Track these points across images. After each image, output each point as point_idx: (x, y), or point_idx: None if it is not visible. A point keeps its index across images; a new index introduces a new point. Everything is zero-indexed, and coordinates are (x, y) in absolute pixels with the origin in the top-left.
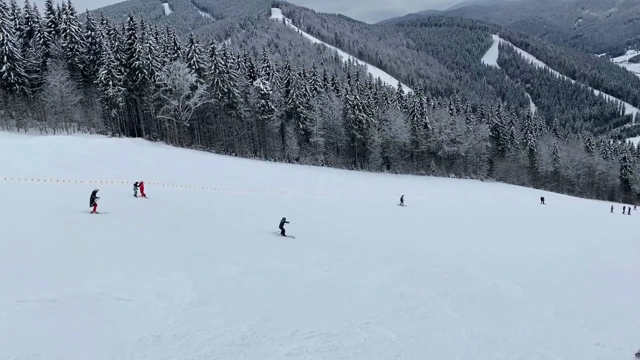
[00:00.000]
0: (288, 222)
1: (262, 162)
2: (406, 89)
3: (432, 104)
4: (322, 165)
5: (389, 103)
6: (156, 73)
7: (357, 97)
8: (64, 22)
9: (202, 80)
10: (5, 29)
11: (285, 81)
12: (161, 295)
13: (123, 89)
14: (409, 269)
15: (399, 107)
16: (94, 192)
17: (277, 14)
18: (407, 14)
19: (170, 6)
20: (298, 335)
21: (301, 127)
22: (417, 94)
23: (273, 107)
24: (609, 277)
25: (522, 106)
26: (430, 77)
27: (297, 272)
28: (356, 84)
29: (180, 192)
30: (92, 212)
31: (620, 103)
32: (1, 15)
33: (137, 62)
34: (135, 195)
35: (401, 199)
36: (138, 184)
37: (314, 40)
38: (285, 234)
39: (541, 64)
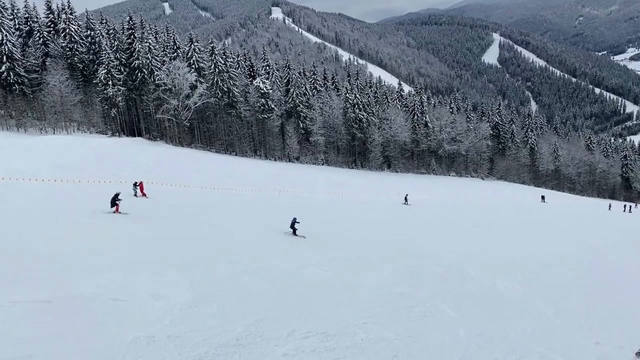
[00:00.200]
0: (299, 222)
1: (262, 161)
2: (407, 88)
3: (433, 102)
4: (323, 164)
5: (389, 102)
6: (156, 72)
7: (357, 95)
8: (64, 21)
9: (202, 80)
10: (4, 29)
11: (285, 80)
12: (157, 295)
13: (123, 88)
14: (409, 269)
15: (399, 106)
16: (117, 195)
17: (277, 13)
18: (408, 12)
19: (170, 6)
20: (294, 336)
21: (301, 126)
22: (417, 93)
23: (273, 106)
24: (609, 277)
25: (523, 104)
26: (431, 75)
27: (296, 271)
28: (356, 83)
29: (179, 191)
30: (114, 213)
31: (621, 101)
32: (0, 15)
33: (136, 62)
34: (135, 194)
35: (405, 198)
36: (137, 184)
37: (314, 39)
38: (297, 233)
39: (542, 62)
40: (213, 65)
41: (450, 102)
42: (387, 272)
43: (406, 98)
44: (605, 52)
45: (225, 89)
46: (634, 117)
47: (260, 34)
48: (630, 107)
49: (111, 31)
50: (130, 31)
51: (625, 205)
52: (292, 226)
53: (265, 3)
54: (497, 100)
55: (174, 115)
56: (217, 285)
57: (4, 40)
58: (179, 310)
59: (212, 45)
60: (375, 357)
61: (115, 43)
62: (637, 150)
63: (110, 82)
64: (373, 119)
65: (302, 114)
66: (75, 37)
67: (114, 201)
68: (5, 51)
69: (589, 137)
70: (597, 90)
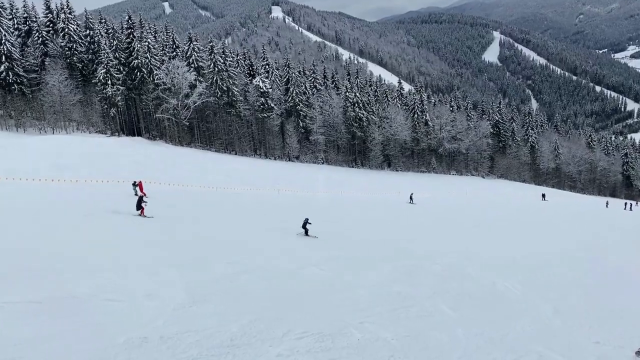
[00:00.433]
0: (310, 224)
1: (262, 160)
2: (407, 87)
3: (433, 101)
4: (323, 163)
5: (389, 100)
6: (155, 72)
7: (357, 94)
8: (62, 21)
9: (201, 79)
10: (3, 29)
11: (285, 79)
12: (151, 296)
13: (122, 88)
14: (407, 268)
15: (399, 105)
16: (141, 197)
17: (277, 12)
18: (408, 11)
19: (170, 5)
20: (290, 336)
21: (301, 125)
22: (417, 91)
23: (273, 105)
24: (609, 276)
25: (524, 103)
26: (431, 74)
27: (293, 271)
28: (356, 82)
29: (179, 191)
30: (140, 215)
31: (622, 99)
32: None
33: (135, 61)
34: (135, 194)
35: (411, 197)
36: (136, 183)
37: (314, 38)
38: (309, 234)
39: (542, 61)
40: (212, 65)
41: (451, 100)
42: (385, 272)
43: (406, 97)
44: (606, 49)
45: (225, 88)
46: (635, 115)
47: (260, 33)
48: (631, 105)
49: (110, 31)
50: (129, 30)
51: (625, 204)
52: (304, 226)
53: (266, 2)
54: (498, 98)
55: (174, 115)
56: (213, 285)
57: (3, 40)
58: (173, 311)
59: (211, 44)
60: (371, 357)
61: (115, 42)
62: (637, 148)
63: (109, 82)
64: (373, 117)
65: (301, 112)
66: (74, 36)
67: (140, 204)
68: (4, 51)
69: (590, 135)
70: (597, 88)
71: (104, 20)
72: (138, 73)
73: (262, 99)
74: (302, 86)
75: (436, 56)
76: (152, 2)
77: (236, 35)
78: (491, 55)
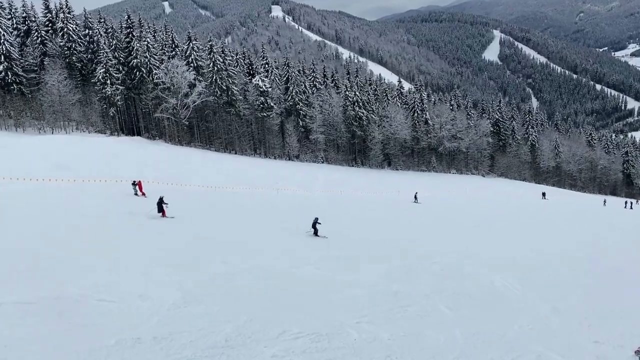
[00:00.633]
0: (320, 223)
1: (261, 159)
2: (407, 85)
3: (433, 100)
4: (322, 162)
5: (389, 99)
6: (154, 71)
7: (357, 93)
8: (61, 21)
9: (201, 78)
10: (2, 29)
11: (285, 78)
12: (146, 296)
13: (121, 87)
14: (405, 267)
15: (399, 103)
16: (162, 199)
17: (277, 12)
18: (408, 10)
19: (170, 5)
20: (285, 336)
21: (301, 124)
22: (417, 90)
23: (272, 104)
24: (609, 275)
25: (524, 101)
26: (431, 73)
27: (289, 270)
28: (356, 81)
29: (178, 190)
30: (162, 217)
31: (622, 97)
32: None
33: (135, 61)
34: (135, 194)
35: (415, 196)
36: (136, 183)
37: (314, 37)
38: (318, 234)
39: (542, 59)
40: (212, 64)
41: (451, 99)
42: (383, 271)
43: (406, 95)
44: (606, 48)
45: (224, 88)
46: (635, 113)
47: (260, 33)
48: (632, 104)
49: (109, 30)
50: (128, 30)
51: (626, 202)
52: (314, 226)
53: (266, 1)
54: (498, 97)
55: (173, 114)
56: (208, 285)
57: (2, 40)
58: (167, 311)
59: (210, 43)
60: (368, 357)
61: (114, 42)
62: (638, 146)
63: (108, 81)
64: (373, 116)
65: (301, 112)
66: (74, 36)
67: (161, 205)
68: (3, 51)
69: (590, 134)
70: (598, 87)
71: (103, 20)
72: (137, 72)
73: (262, 98)
74: (301, 85)
75: (436, 55)
76: (152, 2)
77: (236, 34)
78: (491, 53)
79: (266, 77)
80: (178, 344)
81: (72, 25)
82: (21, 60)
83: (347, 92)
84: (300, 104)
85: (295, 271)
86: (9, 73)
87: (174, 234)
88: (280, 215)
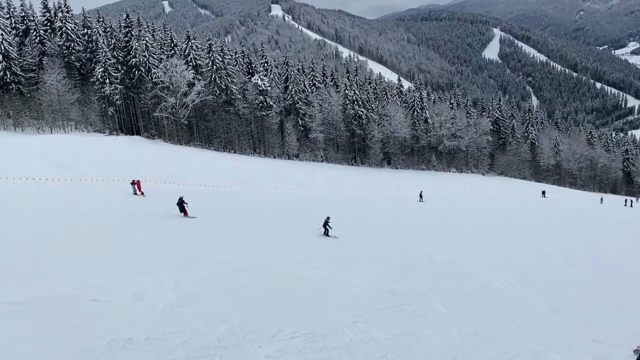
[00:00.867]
0: (331, 227)
1: (261, 158)
2: (407, 84)
3: (433, 98)
4: (322, 161)
5: (388, 98)
6: (153, 70)
7: (357, 92)
8: (60, 20)
9: (200, 77)
10: (0, 28)
11: (284, 77)
12: (139, 296)
13: (120, 86)
14: (403, 266)
15: (399, 102)
16: (181, 199)
17: (277, 10)
18: (408, 8)
19: (170, 4)
20: (280, 336)
21: (300, 123)
22: (417, 89)
23: (271, 103)
24: (609, 273)
25: (524, 100)
26: (431, 71)
27: (286, 269)
28: (355, 79)
29: (176, 190)
30: (183, 217)
31: (623, 95)
32: None
33: (133, 60)
34: (134, 193)
35: (420, 195)
36: (135, 182)
37: (314, 36)
38: (329, 234)
39: (543, 57)
40: (210, 63)
41: (451, 97)
42: (379, 269)
43: (406, 94)
44: (606, 46)
45: (223, 87)
46: (635, 111)
47: (260, 32)
48: (632, 102)
49: (108, 29)
50: (127, 29)
51: (626, 200)
52: (325, 226)
53: (265, 0)
54: (498, 95)
55: (172, 113)
56: (204, 285)
57: (0, 40)
58: (161, 311)
59: (209, 42)
60: (363, 357)
61: (112, 41)
62: (638, 144)
63: (107, 81)
64: (372, 115)
65: (301, 111)
66: (72, 35)
67: (182, 205)
68: (1, 50)
69: (590, 132)
70: (598, 85)
71: (101, 19)
72: (136, 72)
73: (261, 97)
74: (301, 84)
75: (436, 53)
76: (151, 1)
77: (236, 33)
78: (491, 52)
79: (265, 76)
80: (171, 344)
81: (70, 25)
82: (20, 60)
83: (346, 91)
84: (300, 103)
85: (293, 270)
86: (8, 72)
87: (171, 233)
88: (279, 214)
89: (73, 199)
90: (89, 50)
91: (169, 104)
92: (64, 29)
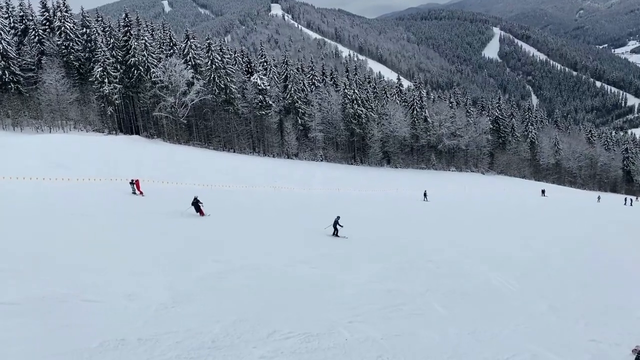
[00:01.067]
0: (342, 226)
1: (260, 158)
2: (407, 83)
3: (432, 97)
4: (322, 160)
5: (388, 97)
6: (152, 70)
7: (356, 91)
8: (59, 19)
9: (199, 76)
10: None
11: (283, 76)
12: (133, 296)
13: (119, 86)
14: (402, 265)
15: (398, 101)
16: (196, 199)
17: (276, 10)
18: (407, 7)
19: (169, 3)
20: (275, 336)
21: (299, 122)
22: (416, 88)
23: (271, 102)
24: (607, 272)
25: (524, 99)
26: (431, 70)
27: (282, 269)
28: (354, 78)
29: (176, 189)
30: (199, 216)
31: (622, 94)
32: None
33: (132, 59)
34: (134, 193)
35: (425, 194)
36: (133, 182)
37: (314, 35)
38: (338, 234)
39: (542, 56)
40: (210, 62)
41: (450, 96)
42: (377, 269)
43: (405, 93)
44: (606, 45)
45: (223, 86)
46: (635, 110)
47: (259, 31)
48: (632, 100)
49: (107, 29)
50: (126, 28)
51: (625, 199)
52: (335, 225)
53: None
54: (498, 94)
55: (171, 113)
56: (198, 284)
57: None
58: (155, 312)
59: (208, 41)
60: (358, 358)
61: (111, 41)
62: (638, 143)
63: (106, 80)
64: (372, 114)
65: (300, 110)
66: (71, 35)
67: (197, 205)
68: (0, 50)
69: (590, 131)
70: (598, 84)
71: (100, 19)
72: (135, 71)
73: (260, 96)
74: (300, 83)
75: (436, 53)
76: (151, 1)
77: (235, 33)
78: (491, 51)
79: (264, 75)
80: (163, 345)
81: (69, 24)
82: (18, 59)
83: (346, 90)
84: (299, 102)
85: (291, 270)
86: (7, 72)
87: (169, 233)
88: (278, 214)
89: (72, 198)
90: (87, 49)
91: (168, 104)
92: (62, 28)
